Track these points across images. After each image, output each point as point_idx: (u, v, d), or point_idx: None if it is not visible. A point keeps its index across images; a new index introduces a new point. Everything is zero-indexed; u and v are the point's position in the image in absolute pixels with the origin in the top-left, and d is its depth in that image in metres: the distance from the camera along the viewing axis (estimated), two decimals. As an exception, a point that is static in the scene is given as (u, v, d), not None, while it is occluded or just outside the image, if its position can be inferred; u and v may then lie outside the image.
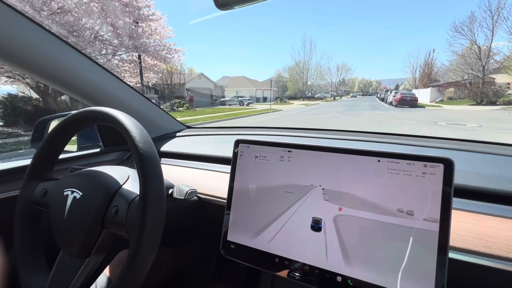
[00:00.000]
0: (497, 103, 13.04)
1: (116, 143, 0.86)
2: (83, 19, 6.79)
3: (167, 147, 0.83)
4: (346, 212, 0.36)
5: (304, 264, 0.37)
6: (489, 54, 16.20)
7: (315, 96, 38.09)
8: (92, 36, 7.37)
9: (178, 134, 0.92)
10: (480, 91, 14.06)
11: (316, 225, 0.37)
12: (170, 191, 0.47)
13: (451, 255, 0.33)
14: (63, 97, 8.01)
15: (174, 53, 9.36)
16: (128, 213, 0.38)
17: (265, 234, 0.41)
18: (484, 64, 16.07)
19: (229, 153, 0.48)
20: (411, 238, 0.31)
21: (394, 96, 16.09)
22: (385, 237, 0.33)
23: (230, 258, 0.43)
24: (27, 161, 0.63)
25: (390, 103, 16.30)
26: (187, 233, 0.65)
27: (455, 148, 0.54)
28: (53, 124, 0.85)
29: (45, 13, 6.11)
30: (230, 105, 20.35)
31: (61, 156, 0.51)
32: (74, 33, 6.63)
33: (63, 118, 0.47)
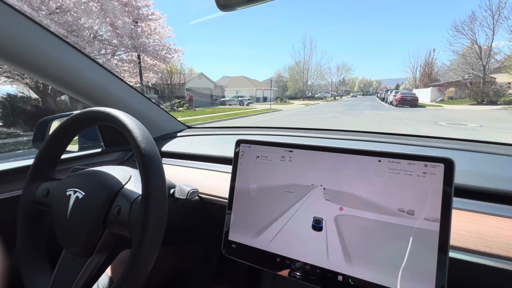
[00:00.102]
0: (498, 102, 13.02)
1: (117, 143, 0.86)
2: (82, 19, 6.79)
3: (168, 147, 0.83)
4: (347, 211, 0.36)
5: (305, 264, 0.37)
6: (489, 53, 16.17)
7: (315, 96, 38.07)
8: (91, 36, 7.38)
9: (179, 134, 0.93)
10: (481, 91, 14.04)
11: (317, 225, 0.37)
12: (171, 191, 0.47)
13: (452, 254, 0.33)
14: (62, 97, 8.02)
15: (173, 53, 9.36)
16: (131, 213, 0.38)
17: (266, 233, 0.41)
18: (484, 63, 16.04)
19: (230, 153, 0.48)
20: (412, 238, 0.31)
21: (394, 95, 16.07)
22: (386, 237, 0.33)
23: (231, 257, 0.44)
24: (30, 161, 0.63)
25: (391, 103, 16.28)
26: (188, 233, 0.65)
27: (456, 148, 0.54)
28: (55, 124, 0.86)
29: (43, 12, 6.11)
30: (230, 105, 20.35)
31: (63, 156, 0.51)
32: (73, 32, 6.63)
33: (65, 118, 0.47)
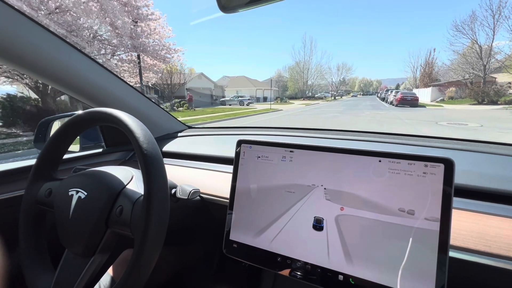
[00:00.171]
0: (499, 102, 13.00)
1: (118, 144, 0.86)
2: (82, 19, 6.79)
3: (169, 147, 0.83)
4: (348, 211, 0.36)
5: (306, 263, 0.38)
6: (490, 53, 16.15)
7: (316, 95, 38.06)
8: (91, 35, 7.38)
9: (179, 134, 0.93)
10: (481, 91, 14.02)
11: (318, 225, 0.37)
12: (173, 191, 0.47)
13: (452, 254, 0.33)
14: (62, 97, 8.02)
15: (173, 52, 9.36)
16: (133, 212, 0.38)
17: (267, 233, 0.41)
18: (485, 63, 16.01)
19: (231, 153, 0.49)
20: (412, 237, 0.32)
21: (394, 95, 16.06)
22: (386, 237, 0.33)
23: (232, 257, 0.44)
24: (32, 162, 0.64)
25: (391, 103, 16.27)
26: (189, 233, 0.66)
27: (456, 148, 0.54)
28: (56, 124, 0.86)
29: (43, 12, 6.11)
30: (230, 105, 20.35)
31: (64, 157, 0.51)
32: (73, 32, 6.63)
33: (67, 118, 0.48)
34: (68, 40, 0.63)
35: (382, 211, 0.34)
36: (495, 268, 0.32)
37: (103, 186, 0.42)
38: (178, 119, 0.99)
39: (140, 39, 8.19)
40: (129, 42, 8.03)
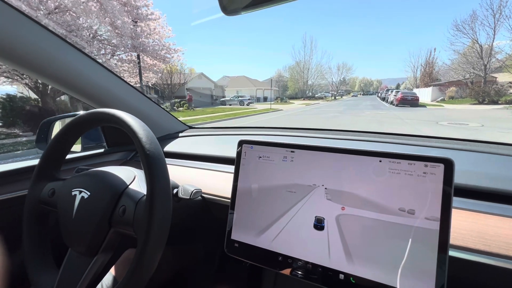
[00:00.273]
0: (499, 102, 12.98)
1: (120, 144, 0.87)
2: (81, 19, 6.79)
3: (170, 147, 0.83)
4: (348, 211, 0.36)
5: (307, 262, 0.38)
6: (491, 53, 16.11)
7: (316, 95, 38.03)
8: (91, 35, 7.38)
9: (180, 134, 0.93)
10: (482, 90, 13.99)
11: (319, 224, 0.38)
12: (175, 191, 0.47)
13: (452, 253, 0.34)
14: (62, 97, 8.03)
15: (173, 52, 9.36)
16: (136, 212, 0.39)
17: (268, 233, 0.42)
18: (486, 63, 15.99)
19: (232, 153, 0.49)
20: (412, 237, 0.32)
21: (395, 95, 16.04)
22: (387, 236, 0.33)
23: (234, 256, 0.44)
24: (34, 162, 0.64)
25: (391, 103, 16.25)
26: (191, 233, 0.66)
27: (456, 148, 0.55)
28: (58, 125, 0.86)
29: (42, 12, 6.11)
30: (230, 105, 20.34)
31: (66, 157, 0.52)
32: (72, 32, 6.64)
33: (69, 119, 0.48)
34: (68, 40, 0.63)
35: (382, 210, 0.34)
36: (495, 267, 0.32)
37: (106, 186, 0.42)
38: (179, 119, 1.00)
39: (140, 39, 8.19)
40: (128, 42, 8.04)
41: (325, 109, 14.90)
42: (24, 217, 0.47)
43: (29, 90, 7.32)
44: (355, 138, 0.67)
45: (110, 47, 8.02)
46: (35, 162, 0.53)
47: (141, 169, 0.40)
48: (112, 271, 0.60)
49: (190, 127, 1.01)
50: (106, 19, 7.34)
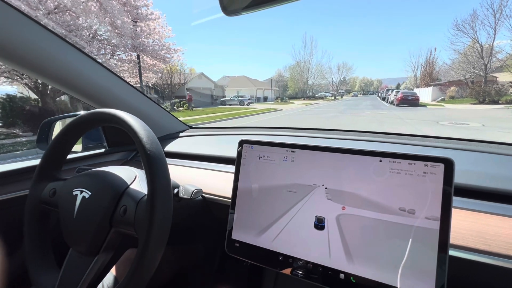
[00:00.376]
0: (500, 102, 12.96)
1: (120, 144, 0.87)
2: (81, 19, 6.79)
3: (170, 147, 0.84)
4: (349, 211, 0.36)
5: (307, 262, 0.38)
6: (491, 52, 16.10)
7: (316, 95, 38.02)
8: (90, 35, 7.38)
9: (181, 134, 0.93)
10: (482, 90, 13.97)
11: (319, 224, 0.38)
12: (176, 190, 0.47)
13: (452, 253, 0.34)
14: (62, 97, 8.03)
15: (173, 52, 9.36)
16: (137, 212, 0.39)
17: (269, 232, 0.42)
18: (486, 62, 15.97)
19: (232, 153, 0.49)
20: (412, 236, 0.32)
21: (395, 95, 16.02)
22: (387, 236, 0.33)
23: (234, 256, 0.44)
24: (35, 162, 0.64)
25: (391, 102, 16.24)
26: (191, 233, 0.66)
27: (457, 148, 0.55)
28: (58, 125, 0.86)
29: (41, 12, 6.11)
30: (230, 105, 20.34)
31: (67, 157, 0.52)
32: (72, 32, 6.64)
33: (70, 119, 0.48)
34: (68, 40, 0.63)
35: (383, 210, 0.34)
36: (494, 266, 0.32)
37: (107, 186, 0.43)
38: (179, 119, 1.00)
39: (140, 39, 8.19)
40: (128, 42, 8.03)
41: (325, 109, 14.89)
42: (25, 217, 0.47)
43: (29, 90, 7.32)
44: (356, 138, 0.67)
45: (110, 47, 8.03)
46: (36, 162, 0.53)
47: (142, 169, 0.40)
48: (113, 271, 0.60)
49: (191, 127, 1.01)
50: (106, 19, 7.34)
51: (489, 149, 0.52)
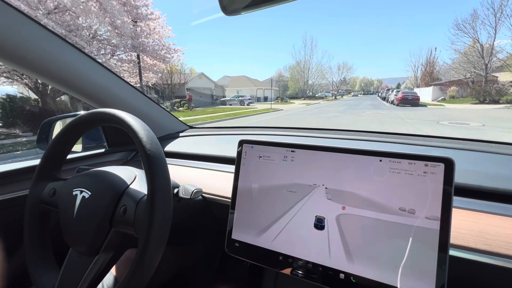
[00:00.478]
0: (500, 101, 12.95)
1: (120, 144, 0.87)
2: (80, 18, 6.80)
3: (170, 147, 0.84)
4: (349, 211, 0.36)
5: (308, 262, 0.38)
6: (491, 52, 16.08)
7: (316, 95, 38.00)
8: (90, 35, 7.38)
9: (181, 134, 0.93)
10: (483, 90, 13.95)
11: (319, 224, 0.38)
12: (176, 190, 0.47)
13: (452, 252, 0.34)
14: (62, 98, 8.04)
15: (173, 52, 9.36)
16: (137, 212, 0.39)
17: (269, 232, 0.42)
18: (486, 62, 15.95)
19: (232, 153, 0.49)
20: (413, 236, 0.32)
21: (395, 95, 16.01)
22: (387, 235, 0.33)
23: (234, 256, 0.44)
24: (35, 162, 0.64)
25: (392, 102, 16.23)
26: (191, 233, 0.66)
27: (457, 148, 0.55)
28: (58, 125, 0.87)
29: (41, 12, 6.11)
30: (230, 104, 20.34)
31: (67, 157, 0.52)
32: (72, 32, 6.64)
33: (71, 119, 0.48)
34: (68, 40, 0.63)
35: (383, 210, 0.34)
36: (495, 266, 0.32)
37: (107, 186, 0.43)
38: (179, 119, 1.00)
39: (140, 39, 8.19)
40: (128, 42, 8.03)
41: (326, 108, 14.89)
42: (25, 217, 0.47)
43: (29, 90, 7.33)
44: (356, 137, 0.67)
45: (110, 47, 8.03)
46: (36, 162, 0.53)
47: (142, 169, 0.40)
48: (113, 270, 0.60)
49: (191, 127, 1.01)
50: (106, 19, 7.34)
51: (489, 149, 0.52)
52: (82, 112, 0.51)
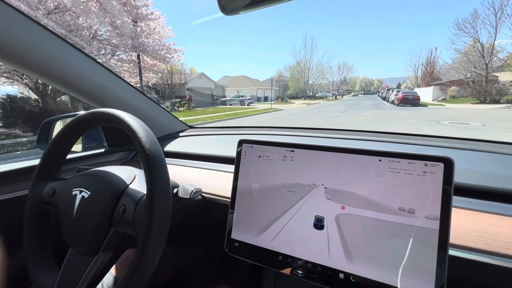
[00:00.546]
0: (501, 101, 12.93)
1: (120, 144, 0.87)
2: (81, 18, 6.80)
3: (170, 147, 0.84)
4: (348, 210, 0.36)
5: (307, 262, 0.38)
6: (492, 52, 16.05)
7: (317, 95, 37.98)
8: (90, 35, 7.39)
9: (181, 134, 0.93)
10: (483, 90, 13.93)
11: (319, 223, 0.38)
12: (175, 190, 0.47)
13: (452, 252, 0.34)
14: (62, 98, 8.05)
15: (173, 52, 9.37)
16: (136, 211, 0.39)
17: (268, 232, 0.42)
18: (487, 62, 15.93)
19: (232, 153, 0.49)
20: (412, 236, 0.32)
21: (396, 95, 15.98)
22: (387, 235, 0.33)
23: (234, 256, 0.44)
24: (35, 162, 0.64)
25: (392, 102, 16.21)
26: (191, 232, 0.66)
27: (458, 147, 0.55)
28: (59, 124, 0.87)
29: (41, 12, 6.12)
30: (231, 104, 20.34)
31: (67, 157, 0.52)
32: (72, 32, 6.65)
33: (71, 119, 0.48)
34: (68, 40, 0.64)
35: (382, 210, 0.34)
36: (495, 266, 0.32)
37: (106, 185, 0.43)
38: (179, 119, 1.00)
39: (140, 39, 8.20)
40: (128, 42, 8.04)
41: (326, 108, 14.87)
42: (25, 217, 0.47)
43: (30, 91, 7.33)
44: (356, 137, 0.67)
45: (110, 47, 8.04)
46: (36, 162, 0.53)
47: (142, 168, 0.40)
48: (112, 270, 0.60)
49: (191, 127, 1.01)
50: (106, 19, 7.34)
51: (489, 149, 0.52)
52: (82, 112, 0.51)
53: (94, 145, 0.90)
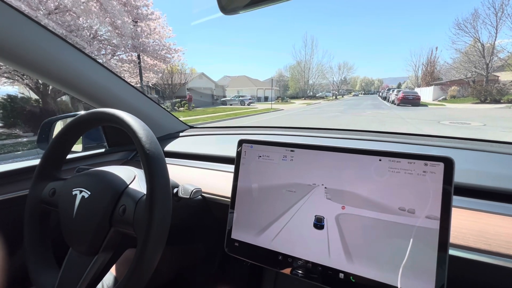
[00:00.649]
0: (501, 101, 12.91)
1: (121, 143, 0.87)
2: (81, 19, 6.82)
3: (170, 147, 0.84)
4: (348, 210, 0.36)
5: (307, 262, 0.38)
6: (492, 51, 16.03)
7: (317, 95, 37.96)
8: (91, 36, 7.40)
9: (181, 134, 0.93)
10: (484, 89, 13.90)
11: (319, 223, 0.38)
12: (175, 190, 0.47)
13: (452, 252, 0.34)
14: (63, 98, 8.07)
15: (173, 52, 9.37)
16: (136, 211, 0.39)
17: (268, 232, 0.42)
18: (487, 62, 15.90)
19: (232, 153, 0.49)
20: (412, 236, 0.32)
21: (396, 94, 15.96)
22: (387, 235, 0.33)
23: (234, 256, 0.44)
24: (35, 162, 0.64)
25: (392, 102, 16.20)
26: (191, 232, 0.66)
27: (458, 147, 0.55)
28: (59, 125, 0.87)
29: (42, 12, 6.13)
30: (231, 104, 20.35)
31: (67, 156, 0.52)
32: (72, 32, 6.66)
33: (71, 119, 0.48)
34: (68, 40, 0.64)
35: (382, 210, 0.34)
36: (495, 266, 0.32)
37: (106, 185, 0.43)
38: (180, 119, 1.00)
39: (140, 39, 8.20)
40: (129, 42, 8.05)
41: (326, 108, 14.87)
42: (25, 217, 0.47)
43: (30, 91, 7.34)
44: (356, 137, 0.67)
45: (111, 47, 8.05)
46: (36, 162, 0.53)
47: (142, 168, 0.40)
48: (112, 270, 0.60)
49: (191, 127, 1.01)
50: (106, 19, 7.35)
51: (490, 148, 0.52)
52: (82, 112, 0.51)
53: (94, 145, 0.90)
